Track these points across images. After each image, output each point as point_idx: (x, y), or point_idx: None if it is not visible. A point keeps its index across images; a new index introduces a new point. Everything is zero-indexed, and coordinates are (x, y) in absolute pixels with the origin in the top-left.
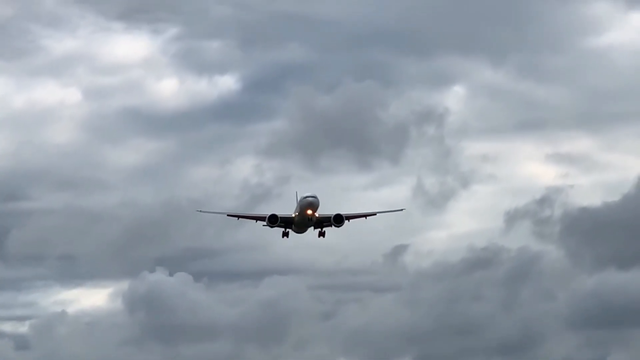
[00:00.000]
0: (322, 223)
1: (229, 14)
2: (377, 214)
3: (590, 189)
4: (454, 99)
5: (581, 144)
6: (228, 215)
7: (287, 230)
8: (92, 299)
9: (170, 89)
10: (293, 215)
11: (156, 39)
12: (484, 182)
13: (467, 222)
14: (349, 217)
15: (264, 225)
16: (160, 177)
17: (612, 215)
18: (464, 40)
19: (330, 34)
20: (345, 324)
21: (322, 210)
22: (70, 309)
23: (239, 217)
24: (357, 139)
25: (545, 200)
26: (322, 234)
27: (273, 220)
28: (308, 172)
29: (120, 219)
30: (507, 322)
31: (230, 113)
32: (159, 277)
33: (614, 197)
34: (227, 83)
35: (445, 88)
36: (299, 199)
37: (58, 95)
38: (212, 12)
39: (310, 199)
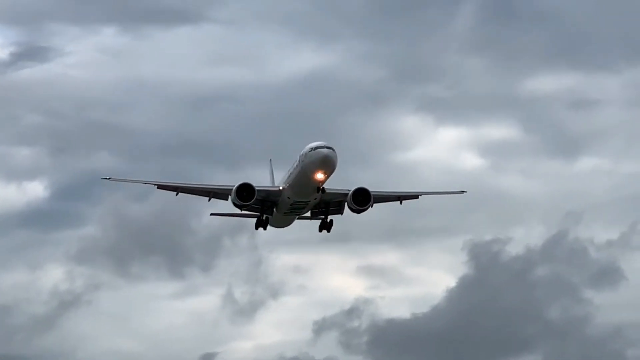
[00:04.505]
0: (329, 206)
1: (40, 122)
2: (420, 196)
3: (399, 301)
4: None
5: (389, 257)
6: (159, 187)
7: (266, 216)
8: None
9: None
10: (281, 188)
11: None
12: (293, 292)
13: (275, 332)
14: (378, 199)
15: (210, 215)
16: None
17: (420, 327)
18: (275, 151)
19: (140, 143)
20: None
21: None
22: None
23: (177, 190)
24: (169, 247)
25: (353, 311)
26: (326, 227)
27: (244, 196)
28: (119, 279)
29: None
30: None
31: (39, 219)
32: None
33: (423, 309)
34: (36, 189)
35: None
36: (303, 152)
37: None
38: (23, 120)
39: (325, 150)
